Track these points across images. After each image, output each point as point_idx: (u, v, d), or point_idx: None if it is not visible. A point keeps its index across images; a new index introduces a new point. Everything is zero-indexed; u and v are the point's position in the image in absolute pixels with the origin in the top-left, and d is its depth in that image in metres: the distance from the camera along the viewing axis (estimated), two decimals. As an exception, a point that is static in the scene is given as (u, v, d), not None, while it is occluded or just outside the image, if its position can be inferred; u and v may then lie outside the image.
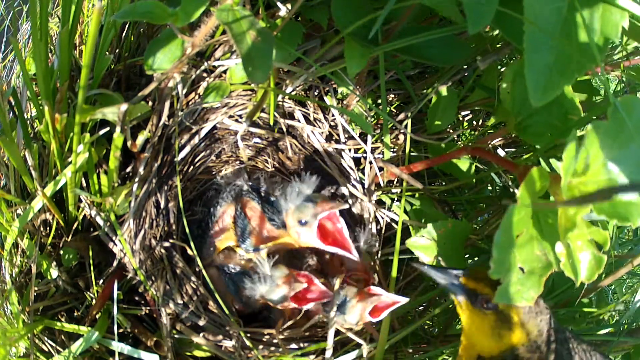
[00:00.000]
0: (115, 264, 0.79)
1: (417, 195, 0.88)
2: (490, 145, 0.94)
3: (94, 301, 0.79)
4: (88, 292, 0.80)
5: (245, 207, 0.92)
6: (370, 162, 0.87)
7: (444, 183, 1.04)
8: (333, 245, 0.81)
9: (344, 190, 0.93)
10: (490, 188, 1.01)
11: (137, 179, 0.76)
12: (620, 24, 0.51)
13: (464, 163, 0.88)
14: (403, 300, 0.77)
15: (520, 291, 0.49)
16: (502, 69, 1.00)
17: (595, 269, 0.52)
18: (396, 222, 0.89)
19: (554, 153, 0.79)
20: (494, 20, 0.54)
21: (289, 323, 0.88)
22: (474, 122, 1.04)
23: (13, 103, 0.70)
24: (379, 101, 0.91)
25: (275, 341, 0.84)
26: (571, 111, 0.67)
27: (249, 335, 0.83)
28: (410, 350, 0.87)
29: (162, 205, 0.85)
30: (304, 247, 0.89)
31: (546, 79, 0.49)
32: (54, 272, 0.76)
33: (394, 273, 0.79)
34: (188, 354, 0.82)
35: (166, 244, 0.85)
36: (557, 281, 0.85)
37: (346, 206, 0.81)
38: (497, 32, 0.84)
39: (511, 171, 0.72)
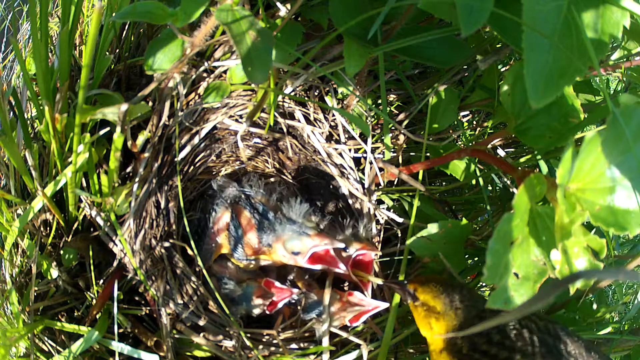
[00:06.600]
0: (115, 264, 0.79)
1: (417, 195, 0.88)
2: (490, 146, 0.94)
3: (94, 301, 0.79)
4: (88, 292, 0.80)
5: (240, 216, 0.91)
6: (371, 162, 0.87)
7: (444, 183, 1.04)
8: (320, 262, 0.82)
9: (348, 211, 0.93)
10: (490, 188, 1.01)
11: (137, 179, 0.76)
12: (622, 22, 0.50)
13: (463, 164, 0.88)
14: (383, 305, 0.80)
15: (513, 297, 0.48)
16: (503, 69, 0.99)
17: (591, 276, 0.51)
18: (396, 223, 0.89)
19: (555, 154, 0.79)
20: (491, 21, 0.54)
21: (288, 322, 0.88)
22: (474, 123, 1.04)
23: (13, 103, 0.70)
24: (379, 101, 0.91)
25: (275, 341, 0.84)
26: (571, 113, 0.66)
27: (249, 335, 0.83)
28: (411, 351, 0.87)
29: (162, 206, 0.85)
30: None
31: (546, 78, 0.48)
32: (54, 272, 0.76)
33: (402, 276, 0.80)
34: (188, 354, 0.82)
35: (166, 244, 0.84)
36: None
37: (342, 245, 0.81)
38: (497, 32, 0.84)
39: (510, 174, 0.71)
